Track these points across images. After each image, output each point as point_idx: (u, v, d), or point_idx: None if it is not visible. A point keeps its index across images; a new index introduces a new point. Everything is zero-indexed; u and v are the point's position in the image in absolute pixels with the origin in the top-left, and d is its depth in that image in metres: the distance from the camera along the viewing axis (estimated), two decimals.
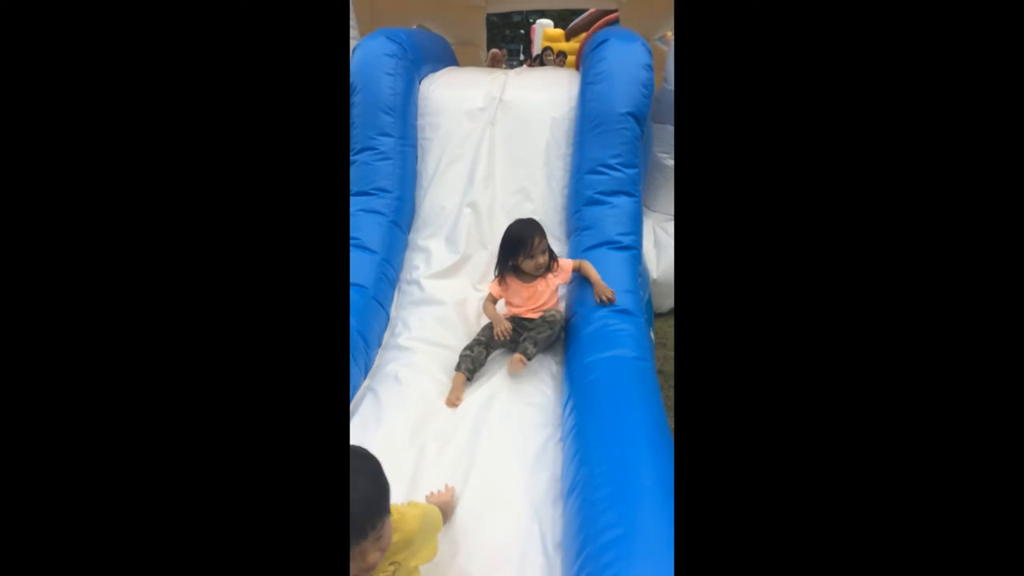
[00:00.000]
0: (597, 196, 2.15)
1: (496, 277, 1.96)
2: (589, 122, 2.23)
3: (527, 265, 1.88)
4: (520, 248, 1.86)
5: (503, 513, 1.32)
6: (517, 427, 1.61)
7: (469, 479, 1.42)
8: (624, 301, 1.89)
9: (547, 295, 1.93)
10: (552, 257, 1.92)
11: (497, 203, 2.34)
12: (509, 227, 1.93)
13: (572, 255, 2.15)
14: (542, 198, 2.34)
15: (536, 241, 1.87)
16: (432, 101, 2.49)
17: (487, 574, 1.18)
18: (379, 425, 1.60)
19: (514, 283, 1.93)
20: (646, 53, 2.26)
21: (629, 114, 2.18)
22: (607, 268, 1.98)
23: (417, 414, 1.66)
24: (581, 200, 2.18)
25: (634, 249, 2.10)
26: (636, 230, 2.14)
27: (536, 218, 2.31)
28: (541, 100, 2.45)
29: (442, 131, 2.44)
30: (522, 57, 8.80)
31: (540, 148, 2.37)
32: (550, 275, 1.92)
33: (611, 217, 2.12)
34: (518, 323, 1.91)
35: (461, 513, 1.32)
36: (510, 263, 1.90)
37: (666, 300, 2.77)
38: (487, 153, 2.40)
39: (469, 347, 1.88)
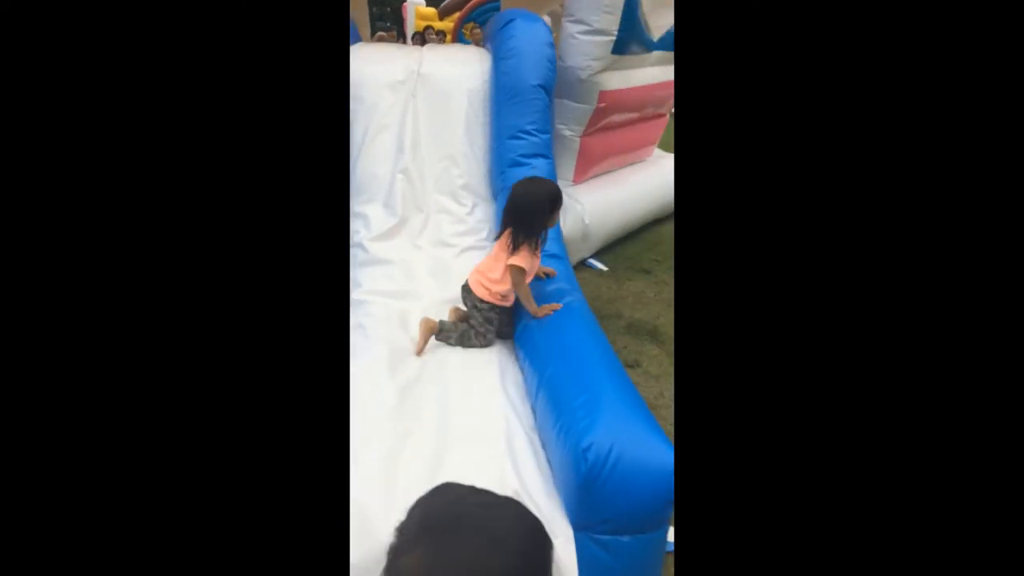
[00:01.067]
0: (519, 159, 2.46)
1: (525, 243, 1.72)
2: (504, 93, 2.51)
3: (553, 220, 1.80)
4: (556, 204, 1.75)
5: (484, 412, 1.59)
6: (479, 355, 1.88)
7: (449, 395, 1.67)
8: (552, 247, 2.22)
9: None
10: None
11: (427, 169, 2.56)
12: (524, 187, 1.78)
13: (499, 212, 2.44)
14: (467, 163, 2.59)
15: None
16: (353, 74, 2.62)
17: (483, 451, 1.44)
18: (356, 361, 1.78)
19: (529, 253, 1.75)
20: (548, 32, 2.59)
21: (539, 86, 2.50)
22: None
23: (387, 354, 1.86)
24: (505, 163, 2.47)
25: None
26: None
27: (463, 181, 2.58)
28: (457, 74, 2.68)
29: (366, 103, 2.59)
30: (401, 38, 8.80)
31: (461, 118, 2.61)
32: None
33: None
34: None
35: (453, 420, 1.57)
36: (542, 223, 1.72)
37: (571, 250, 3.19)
38: (412, 123, 2.59)
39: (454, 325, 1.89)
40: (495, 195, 2.55)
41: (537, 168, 2.44)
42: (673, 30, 3.52)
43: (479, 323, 1.89)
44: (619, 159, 3.93)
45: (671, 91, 4.00)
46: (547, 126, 2.52)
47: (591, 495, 1.22)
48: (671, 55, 3.69)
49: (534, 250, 1.76)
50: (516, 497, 1.21)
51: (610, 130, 3.59)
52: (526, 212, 1.72)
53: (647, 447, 1.22)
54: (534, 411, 1.60)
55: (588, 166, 3.58)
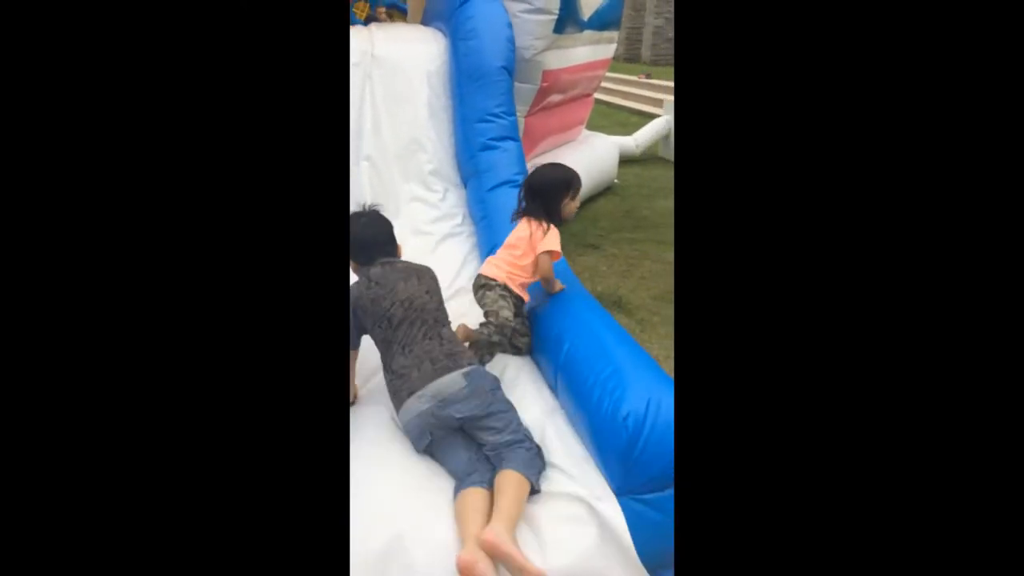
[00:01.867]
0: (489, 142, 2.43)
1: (551, 228, 1.69)
2: (467, 76, 2.47)
3: (570, 209, 1.74)
4: (571, 187, 1.72)
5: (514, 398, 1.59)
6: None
7: None
8: None
9: None
10: None
11: (391, 154, 2.46)
12: (542, 172, 1.78)
13: (472, 197, 2.41)
14: (434, 147, 2.53)
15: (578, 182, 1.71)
16: None
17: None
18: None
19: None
20: (505, 12, 2.56)
21: (503, 68, 2.48)
22: (509, 203, 2.30)
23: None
24: (475, 146, 2.44)
25: None
26: (524, 169, 2.49)
27: (432, 167, 2.51)
28: (414, 55, 2.59)
29: None
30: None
31: (423, 101, 2.53)
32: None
33: (504, 160, 2.42)
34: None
35: None
36: (559, 204, 1.71)
37: None
38: (370, 106, 2.47)
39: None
40: (465, 181, 2.51)
41: (509, 151, 2.44)
42: (602, 8, 3.61)
43: (519, 322, 1.73)
44: (556, 139, 4.01)
45: (599, 71, 4.12)
46: (513, 108, 2.52)
47: (634, 459, 1.28)
48: (599, 35, 3.79)
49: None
50: (559, 470, 1.33)
51: (549, 110, 3.64)
52: (551, 196, 1.72)
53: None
54: (553, 391, 1.63)
55: (531, 147, 3.61)
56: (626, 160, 5.23)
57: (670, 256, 3.41)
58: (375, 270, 1.54)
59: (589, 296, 1.88)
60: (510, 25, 2.54)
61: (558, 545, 1.20)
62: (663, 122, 5.73)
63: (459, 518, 1.20)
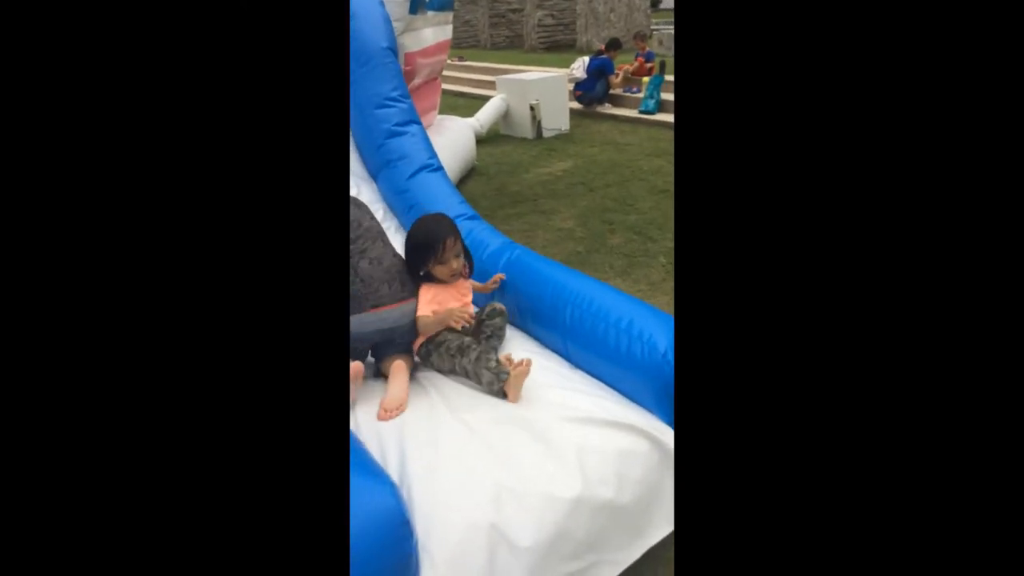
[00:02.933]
0: (394, 128, 2.28)
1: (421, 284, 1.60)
2: (353, 60, 2.27)
3: (441, 272, 1.58)
4: (430, 254, 1.56)
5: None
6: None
7: None
8: (465, 208, 2.18)
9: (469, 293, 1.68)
10: (468, 258, 1.67)
11: None
12: (412, 228, 1.64)
13: (388, 189, 2.26)
14: None
15: (449, 242, 1.56)
16: None
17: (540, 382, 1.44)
18: None
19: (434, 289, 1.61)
20: None
21: (388, 48, 2.33)
22: (433, 189, 2.20)
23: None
24: (379, 135, 2.27)
25: (441, 168, 2.35)
26: (434, 152, 2.39)
27: None
28: None
29: None
30: None
31: None
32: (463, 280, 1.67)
33: (414, 145, 2.30)
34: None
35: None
36: (421, 272, 1.60)
37: None
38: None
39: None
40: (375, 173, 2.33)
41: (415, 134, 2.32)
42: None
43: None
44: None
45: (444, 54, 4.09)
46: (407, 90, 2.39)
47: None
48: (439, 16, 3.75)
49: (437, 283, 1.61)
50: (636, 430, 1.36)
51: (413, 95, 3.53)
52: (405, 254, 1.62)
53: None
54: (566, 358, 1.62)
55: None
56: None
57: (559, 223, 3.55)
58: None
59: (556, 263, 1.89)
60: (382, 3, 2.39)
61: (625, 477, 1.22)
62: (499, 101, 5.88)
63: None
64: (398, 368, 1.48)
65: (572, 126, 6.05)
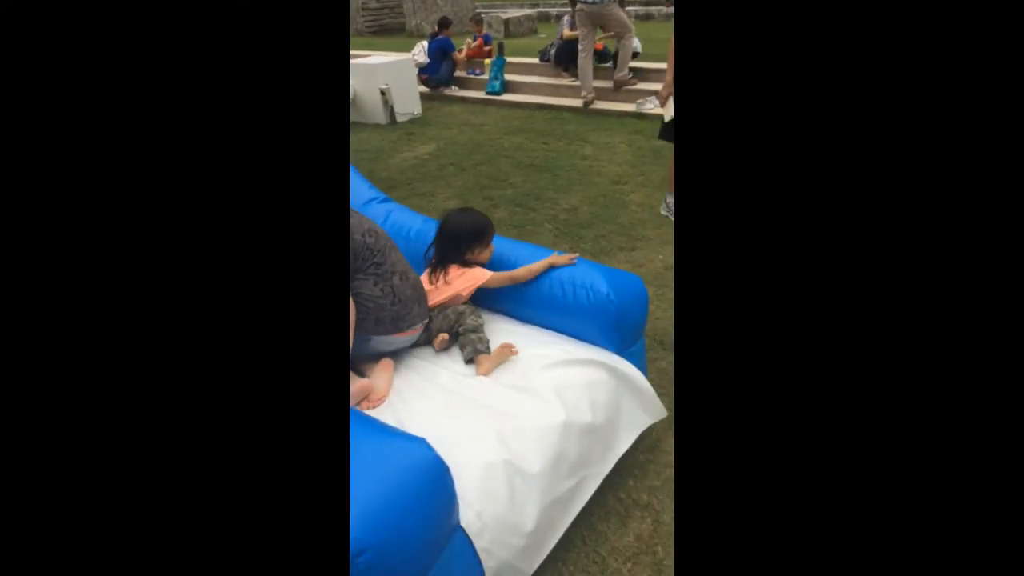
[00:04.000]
0: None
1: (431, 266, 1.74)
2: None
3: (484, 256, 1.73)
4: (477, 240, 1.70)
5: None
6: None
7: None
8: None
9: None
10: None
11: None
12: (456, 217, 1.73)
13: None
14: None
15: (491, 230, 1.74)
16: None
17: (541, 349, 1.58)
18: None
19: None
20: None
21: None
22: (404, 221, 2.13)
23: None
24: None
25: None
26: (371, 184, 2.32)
27: None
28: None
29: None
30: None
31: None
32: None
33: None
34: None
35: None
36: (466, 256, 1.72)
37: None
38: None
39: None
40: None
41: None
42: None
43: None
44: None
45: None
46: None
47: (625, 325, 1.62)
48: None
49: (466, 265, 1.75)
50: (595, 363, 1.57)
51: None
52: (448, 239, 1.74)
53: (630, 280, 1.70)
54: (520, 319, 1.75)
55: None
56: None
57: (441, 203, 3.64)
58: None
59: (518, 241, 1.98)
60: None
61: (596, 402, 1.44)
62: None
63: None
64: (386, 365, 1.54)
65: (424, 109, 6.10)
